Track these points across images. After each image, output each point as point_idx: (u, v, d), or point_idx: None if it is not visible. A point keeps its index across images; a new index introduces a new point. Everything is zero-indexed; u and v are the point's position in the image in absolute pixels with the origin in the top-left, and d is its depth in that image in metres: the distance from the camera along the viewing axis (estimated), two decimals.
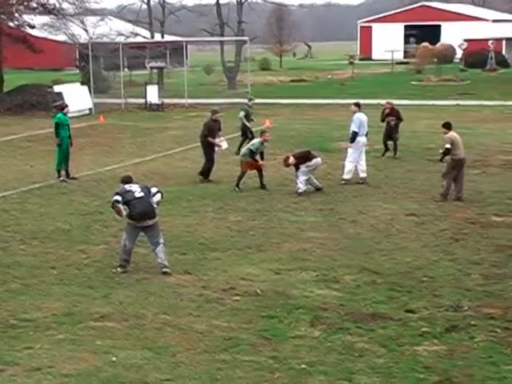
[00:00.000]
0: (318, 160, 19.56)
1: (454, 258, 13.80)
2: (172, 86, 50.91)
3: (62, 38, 56.50)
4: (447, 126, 18.61)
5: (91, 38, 50.98)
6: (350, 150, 20.60)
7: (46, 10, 47.11)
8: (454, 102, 41.60)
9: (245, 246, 14.84)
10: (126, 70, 53.51)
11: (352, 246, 14.71)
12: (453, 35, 79.39)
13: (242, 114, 25.70)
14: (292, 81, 61.33)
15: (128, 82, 50.98)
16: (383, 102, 27.46)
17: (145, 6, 57.50)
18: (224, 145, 21.62)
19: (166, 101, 43.04)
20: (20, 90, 44.06)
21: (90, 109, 41.15)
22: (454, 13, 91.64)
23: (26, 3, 46.00)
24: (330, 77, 64.79)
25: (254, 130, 25.59)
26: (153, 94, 42.68)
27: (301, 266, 13.48)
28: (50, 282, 12.95)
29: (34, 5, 46.25)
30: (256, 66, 73.39)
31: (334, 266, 13.45)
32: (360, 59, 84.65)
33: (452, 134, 18.51)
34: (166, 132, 32.30)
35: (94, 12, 55.66)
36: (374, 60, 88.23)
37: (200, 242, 15.19)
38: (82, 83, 44.66)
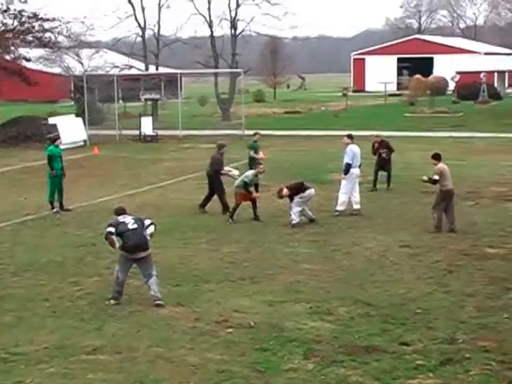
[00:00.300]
0: (311, 191, 19.59)
1: (448, 290, 13.76)
2: (166, 118, 51.09)
3: (56, 70, 56.74)
4: (437, 157, 18.71)
5: (86, 71, 51.23)
6: (343, 182, 20.66)
7: (42, 43, 47.33)
8: (448, 134, 41.74)
9: (238, 277, 14.79)
10: (120, 101, 53.63)
11: (346, 278, 14.67)
12: (445, 68, 79.98)
13: (252, 153, 25.65)
14: (286, 112, 61.56)
15: (122, 113, 51.16)
16: (373, 133, 27.55)
17: (139, 39, 57.81)
18: (235, 172, 21.65)
19: (160, 132, 43.13)
20: (15, 122, 44.14)
21: (85, 140, 41.19)
22: (446, 46, 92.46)
23: (22, 37, 46.22)
24: (323, 108, 65.06)
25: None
26: (147, 126, 42.79)
27: (294, 298, 13.43)
28: (42, 314, 12.87)
29: (30, 38, 46.45)
30: (250, 98, 73.69)
31: (327, 298, 13.40)
32: (353, 91, 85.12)
33: (441, 165, 18.60)
34: (160, 163, 32.32)
35: (88, 45, 56.01)
36: (367, 92, 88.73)
37: (193, 273, 15.14)
38: (77, 115, 44.77)
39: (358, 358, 10.66)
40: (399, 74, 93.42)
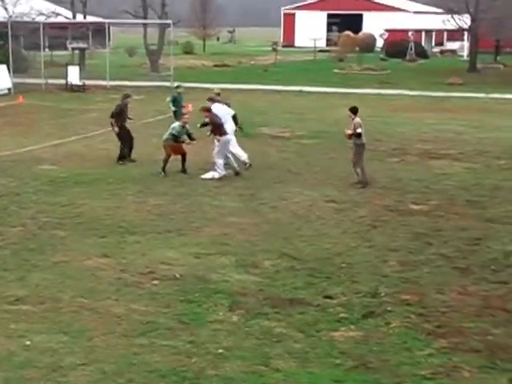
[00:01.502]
0: (227, 137, 19.58)
1: (372, 245, 13.97)
2: (94, 68, 50.26)
3: None
4: (354, 111, 18.75)
5: (11, 17, 49.90)
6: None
7: None
8: (375, 91, 42.11)
9: (165, 229, 14.76)
10: (46, 50, 52.52)
11: (272, 232, 14.76)
12: (374, 25, 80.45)
13: (168, 99, 25.66)
14: (215, 66, 61.22)
15: (49, 62, 50.15)
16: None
17: None
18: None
19: (88, 82, 42.47)
20: None
21: (9, 88, 40.32)
22: (376, 3, 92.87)
23: None
24: (253, 63, 64.89)
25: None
26: (74, 75, 42.08)
27: (221, 251, 13.47)
28: None
29: None
30: (179, 50, 73.07)
31: (253, 251, 13.48)
32: (283, 46, 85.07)
33: (359, 119, 18.72)
34: (87, 114, 31.87)
35: None
36: (296, 47, 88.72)
37: (120, 225, 15.04)
38: (1, 62, 43.67)
39: (282, 311, 10.77)
40: (329, 30, 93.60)
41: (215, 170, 19.40)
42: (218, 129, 19.50)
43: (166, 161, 19.75)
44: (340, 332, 10.12)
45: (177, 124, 20.17)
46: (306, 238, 14.35)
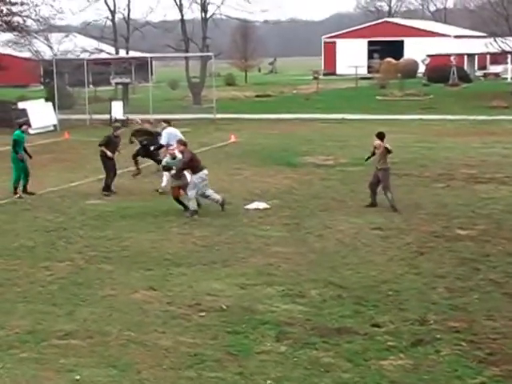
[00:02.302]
0: (204, 173, 18.80)
1: (419, 272, 13.85)
2: (137, 102, 50.81)
3: (26, 54, 56.17)
4: (381, 136, 19.03)
5: (56, 55, 50.73)
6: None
7: (10, 27, 46.90)
8: (418, 117, 41.91)
9: (210, 261, 14.78)
10: (90, 86, 53.26)
11: (318, 261, 14.71)
12: (416, 50, 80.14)
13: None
14: (257, 96, 61.47)
15: (93, 98, 50.81)
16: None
17: (109, 23, 57.27)
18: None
19: (131, 116, 42.87)
20: None
21: (55, 125, 40.90)
22: (417, 28, 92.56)
23: None
24: (295, 92, 65.04)
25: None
26: (118, 110, 42.55)
27: (266, 281, 13.44)
28: (13, 299, 12.78)
29: None
30: (221, 82, 73.51)
31: (299, 281, 13.44)
32: (324, 74, 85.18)
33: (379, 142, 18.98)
34: (130, 147, 32.06)
35: (58, 28, 55.43)
36: (338, 75, 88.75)
37: (165, 257, 15.11)
38: (47, 99, 44.38)
39: (330, 340, 10.70)
40: (370, 57, 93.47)
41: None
42: (193, 166, 18.79)
43: (179, 201, 19.07)
44: (389, 361, 10.02)
45: (166, 159, 19.62)
46: (352, 266, 14.26)
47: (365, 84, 68.67)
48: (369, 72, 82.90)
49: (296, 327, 11.22)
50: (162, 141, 22.05)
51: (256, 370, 9.78)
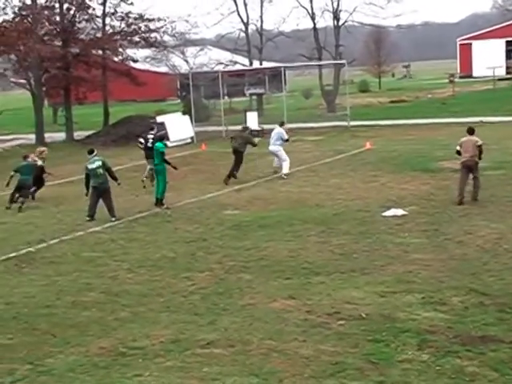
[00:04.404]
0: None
1: None
2: (271, 112, 51.23)
3: (163, 69, 57.76)
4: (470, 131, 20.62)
5: (191, 68, 51.91)
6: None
7: (148, 43, 48.50)
8: None
9: (348, 269, 14.73)
10: (225, 97, 54.12)
11: (458, 267, 14.41)
12: None
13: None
14: (392, 101, 60.90)
15: (228, 109, 51.62)
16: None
17: (243, 35, 58.14)
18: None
19: (266, 127, 43.27)
20: (124, 121, 45.28)
21: (192, 137, 41.82)
22: None
23: (129, 38, 47.47)
24: (430, 96, 64.07)
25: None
26: (253, 121, 43.01)
27: (406, 289, 13.28)
28: (157, 309, 13.13)
29: (137, 39, 47.67)
30: (355, 89, 73.29)
31: (440, 288, 13.21)
32: (460, 77, 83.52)
33: (464, 138, 20.21)
34: (266, 157, 32.40)
35: (193, 43, 56.77)
36: (474, 77, 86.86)
37: (303, 266, 15.16)
38: (184, 113, 45.44)
39: (473, 349, 10.46)
40: (508, 57, 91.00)
41: None
42: None
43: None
44: None
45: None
46: (494, 273, 13.90)
47: (503, 85, 66.91)
48: (507, 73, 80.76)
49: (438, 335, 11.03)
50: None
51: (398, 379, 9.67)
